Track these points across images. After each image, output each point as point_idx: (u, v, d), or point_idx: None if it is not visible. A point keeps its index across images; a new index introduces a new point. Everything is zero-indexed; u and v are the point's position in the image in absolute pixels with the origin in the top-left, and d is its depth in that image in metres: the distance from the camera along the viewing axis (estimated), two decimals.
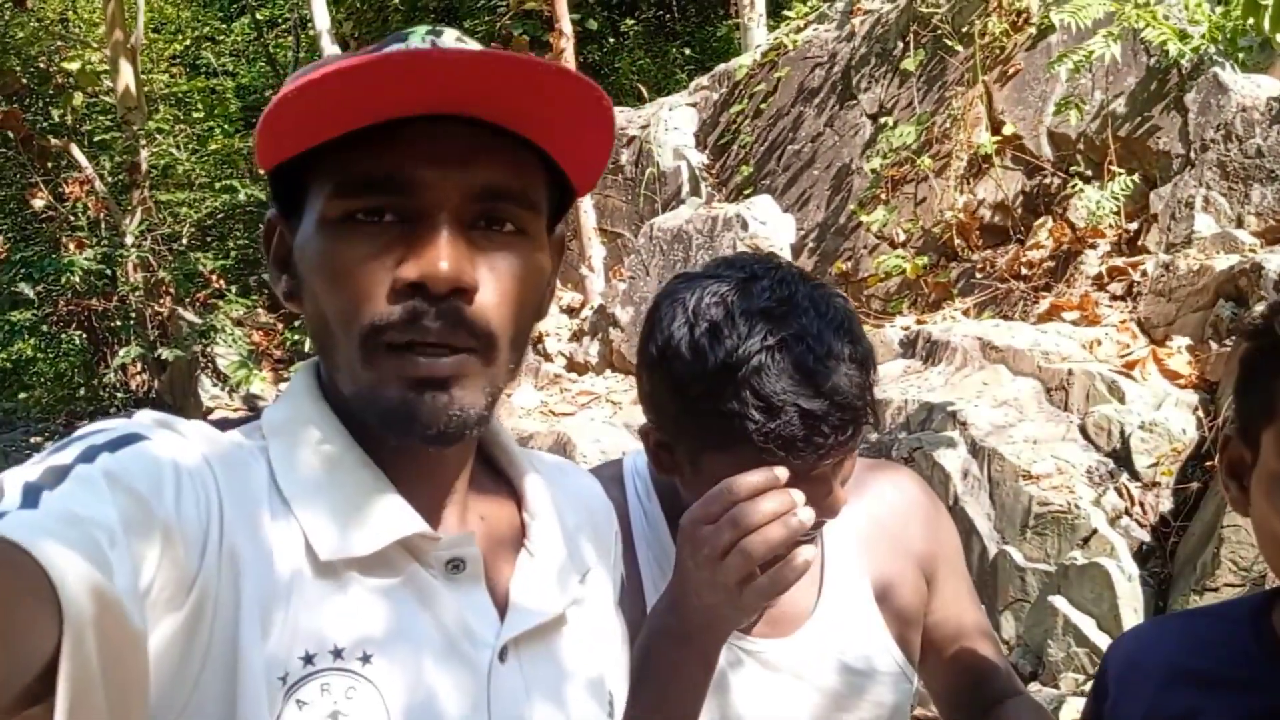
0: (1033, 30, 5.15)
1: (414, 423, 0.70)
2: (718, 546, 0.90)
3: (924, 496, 1.27)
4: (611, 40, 10.96)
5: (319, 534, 0.71)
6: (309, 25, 10.07)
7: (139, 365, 8.14)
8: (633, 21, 11.04)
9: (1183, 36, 4.45)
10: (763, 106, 6.36)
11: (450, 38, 0.74)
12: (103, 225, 8.75)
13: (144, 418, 0.71)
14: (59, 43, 9.95)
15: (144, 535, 0.61)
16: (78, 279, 8.21)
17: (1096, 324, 4.17)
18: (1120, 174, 4.51)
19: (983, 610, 1.29)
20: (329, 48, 7.92)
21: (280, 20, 13.80)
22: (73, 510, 0.58)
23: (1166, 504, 3.41)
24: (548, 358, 6.16)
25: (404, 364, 0.70)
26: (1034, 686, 3.20)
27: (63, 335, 9.50)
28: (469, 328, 0.71)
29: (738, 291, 1.01)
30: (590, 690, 0.83)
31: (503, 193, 0.72)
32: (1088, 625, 3.18)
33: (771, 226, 5.36)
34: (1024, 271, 4.79)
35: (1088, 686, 2.40)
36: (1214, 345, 3.71)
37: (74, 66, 9.08)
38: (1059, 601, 3.25)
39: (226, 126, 11.42)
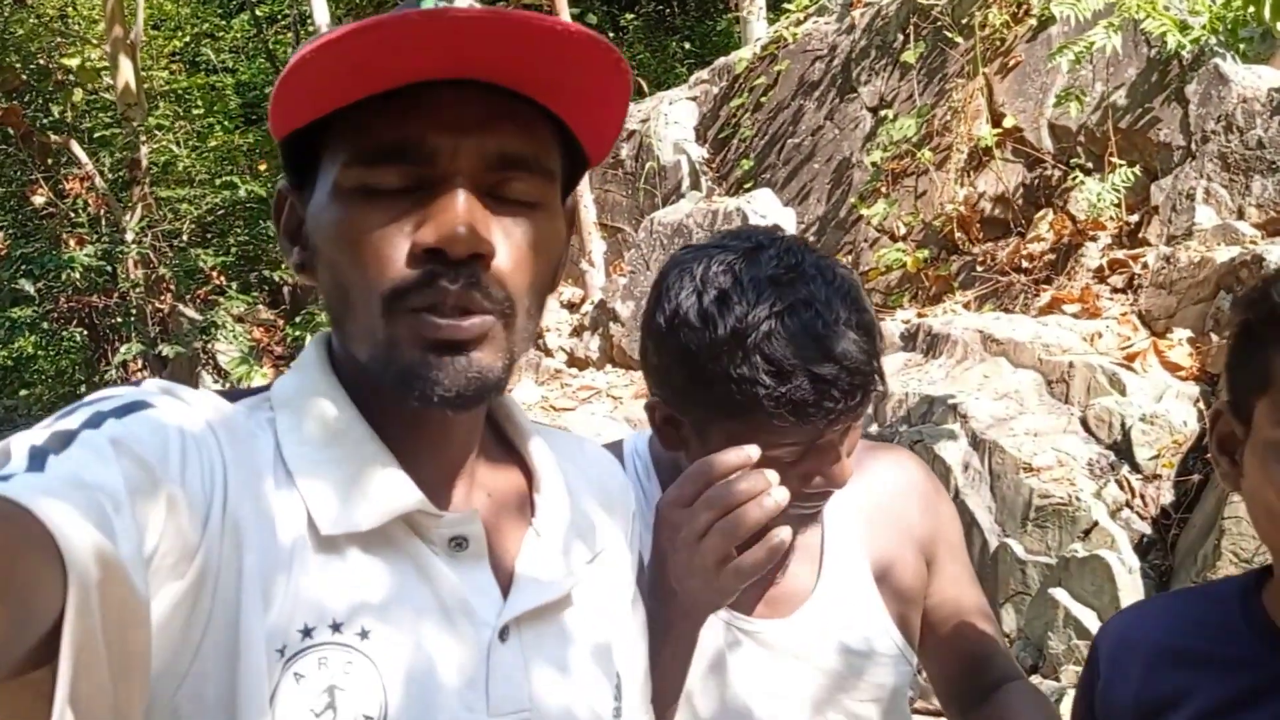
0: (1033, 22, 5.14)
1: (432, 384, 0.70)
2: (695, 529, 0.90)
3: (925, 478, 1.27)
4: (611, 34, 10.94)
5: (321, 507, 0.71)
6: (308, 21, 10.07)
7: (140, 362, 8.14)
8: (632, 16, 11.03)
9: (1183, 28, 4.44)
10: (763, 100, 6.36)
11: (464, 1, 0.73)
12: (103, 222, 8.74)
13: (151, 386, 0.71)
14: (59, 39, 9.93)
15: (148, 502, 0.61)
16: (78, 275, 8.20)
17: (1097, 316, 4.17)
18: (1121, 166, 4.50)
19: (982, 593, 1.29)
20: None
21: (280, 16, 13.78)
22: (78, 475, 0.58)
23: (1167, 496, 3.41)
24: (548, 353, 6.15)
25: (424, 325, 0.70)
26: (1035, 679, 3.20)
27: (63, 332, 9.50)
28: (486, 292, 0.70)
29: (745, 260, 1.01)
30: (595, 671, 0.82)
31: (518, 160, 0.72)
32: (1089, 618, 3.18)
33: (772, 220, 5.36)
34: (1025, 264, 4.78)
35: None
36: (1215, 337, 3.70)
37: (74, 63, 9.07)
38: (1060, 594, 3.25)
39: (226, 123, 11.41)
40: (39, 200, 8.58)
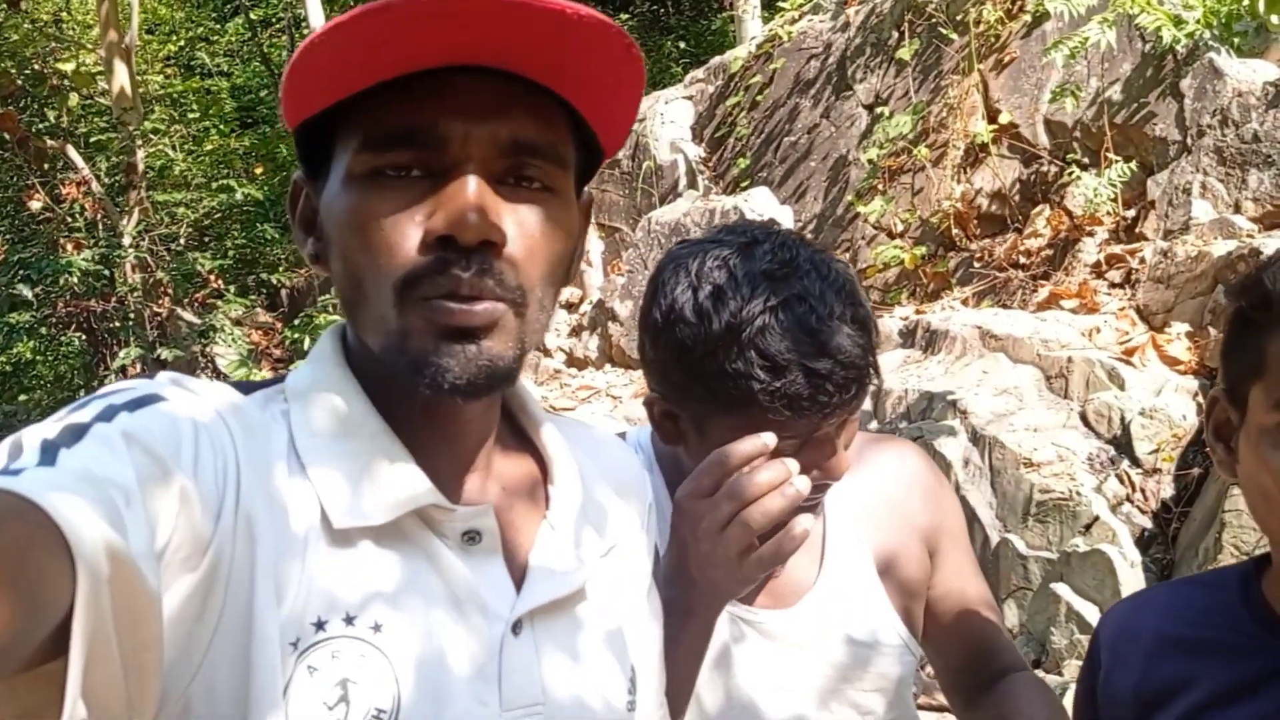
0: (1028, 18, 5.14)
1: (443, 371, 0.70)
2: (717, 519, 0.90)
3: (926, 469, 1.28)
4: None
5: (334, 501, 0.71)
6: (303, 25, 10.06)
7: (139, 366, 8.13)
8: (627, 16, 11.02)
9: (1178, 22, 4.44)
10: (758, 99, 6.36)
11: None
12: (100, 226, 8.73)
13: (164, 378, 0.71)
14: (53, 44, 9.92)
15: (160, 496, 0.61)
16: (76, 280, 8.20)
17: (1095, 311, 4.17)
18: (1117, 161, 4.51)
19: (986, 584, 1.29)
20: None
21: (274, 20, 13.77)
22: (89, 469, 0.58)
23: (1168, 490, 3.41)
24: (547, 353, 6.15)
25: (436, 313, 0.69)
26: (1038, 674, 3.20)
27: (62, 337, 9.49)
28: (499, 279, 0.70)
29: (740, 255, 1.02)
30: (610, 663, 0.82)
31: (531, 147, 0.71)
32: (1090, 612, 3.18)
33: (769, 218, 5.36)
34: (1022, 260, 4.79)
35: None
36: (1213, 331, 3.71)
37: (69, 68, 9.05)
38: (1061, 589, 3.26)
39: (222, 127, 11.40)
40: (36, 205, 8.57)
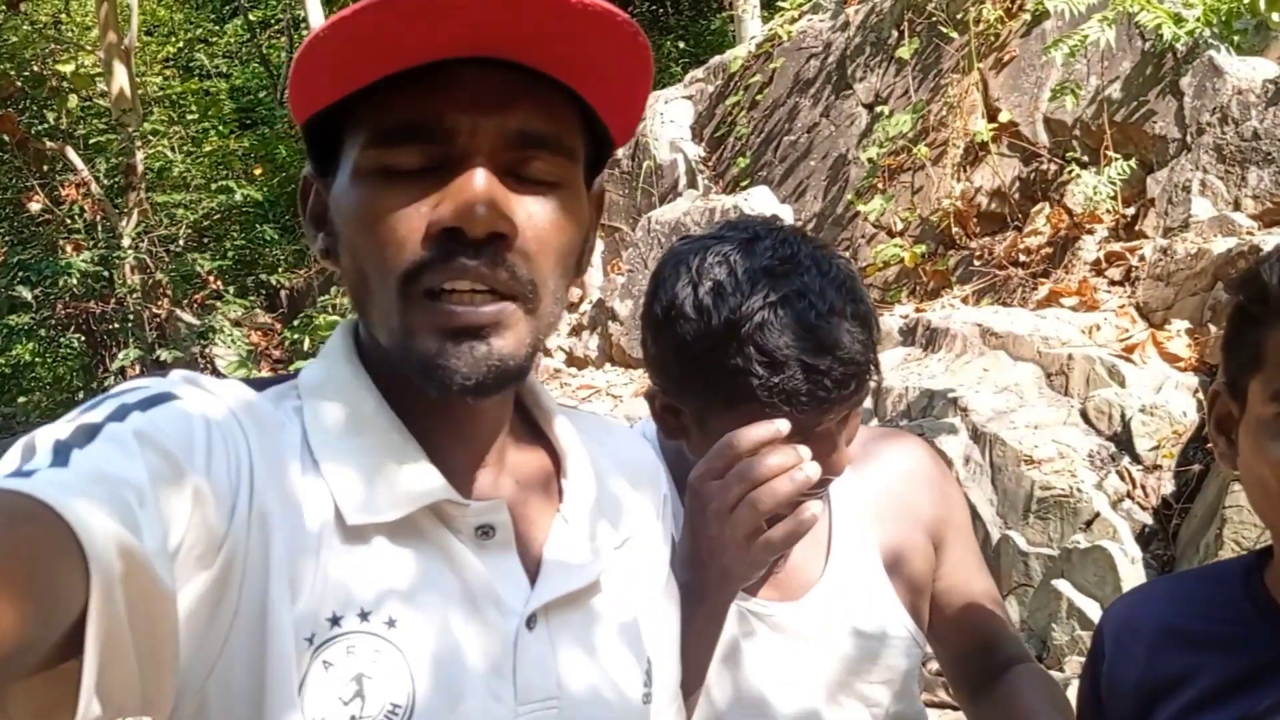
0: (1027, 16, 5.15)
1: (451, 373, 0.69)
2: (726, 501, 0.91)
3: (932, 463, 1.28)
4: None
5: (347, 497, 0.71)
6: (302, 26, 10.06)
7: (138, 368, 8.13)
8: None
9: (1177, 20, 4.45)
10: (758, 98, 6.36)
11: None
12: (99, 227, 8.74)
13: (177, 376, 0.71)
14: (53, 45, 9.92)
15: (174, 494, 0.61)
16: (75, 282, 8.20)
17: (1095, 309, 4.17)
18: (1117, 159, 4.51)
19: (990, 577, 1.30)
20: None
21: (273, 21, 13.78)
22: (102, 469, 0.58)
23: (1168, 486, 3.41)
24: (547, 352, 6.16)
25: (439, 314, 0.69)
26: None
27: (61, 338, 9.50)
28: (511, 271, 0.69)
29: (741, 251, 1.02)
30: (625, 656, 0.82)
31: (539, 138, 0.71)
32: (1091, 609, 3.18)
33: (771, 214, 5.36)
34: (1022, 258, 4.79)
35: None
36: (1213, 328, 3.71)
37: (68, 69, 9.05)
38: (1062, 585, 3.26)
39: (221, 128, 11.40)
40: (35, 207, 8.57)
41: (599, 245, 6.66)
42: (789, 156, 6.10)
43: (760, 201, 5.44)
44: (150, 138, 9.48)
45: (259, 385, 0.76)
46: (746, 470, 0.90)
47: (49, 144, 8.56)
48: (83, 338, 9.21)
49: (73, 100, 9.19)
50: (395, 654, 0.70)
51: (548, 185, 0.72)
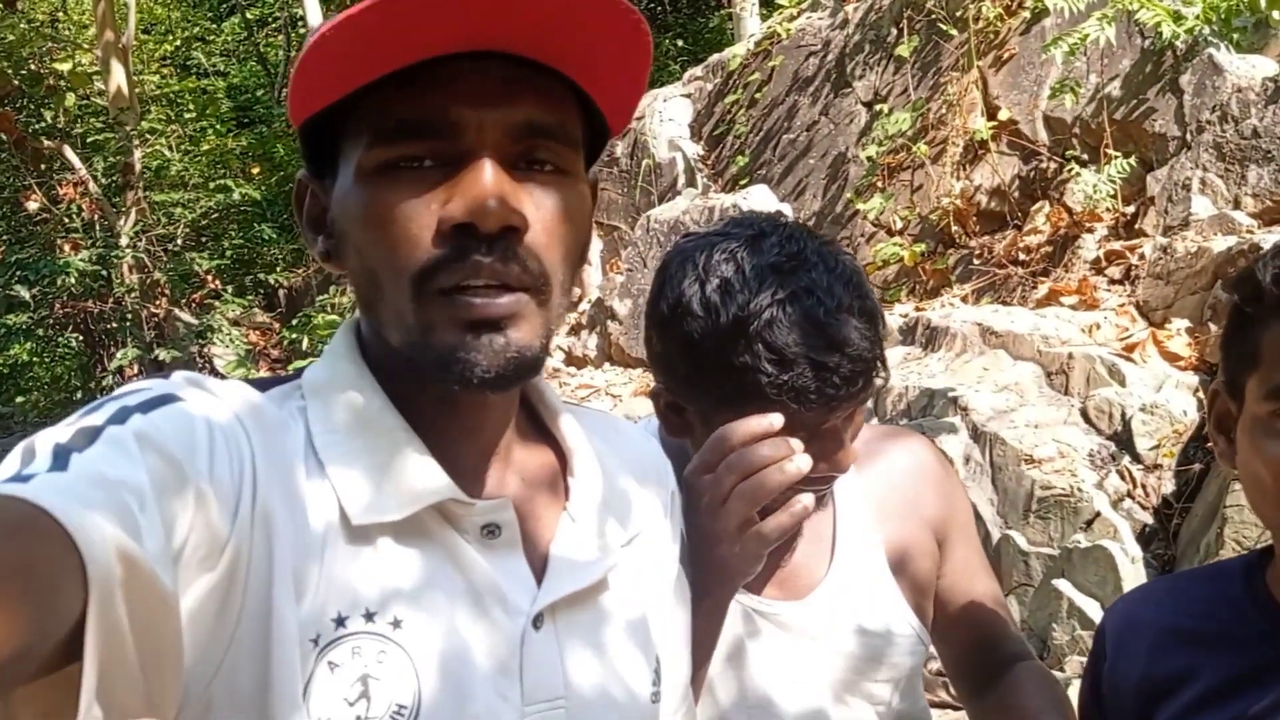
0: (1027, 14, 5.14)
1: (471, 365, 0.69)
2: (718, 494, 0.91)
3: (936, 462, 1.28)
4: None
5: (351, 497, 0.71)
6: (299, 24, 10.06)
7: (136, 367, 8.13)
8: None
9: (1177, 18, 4.44)
10: (757, 96, 6.36)
11: None
12: (97, 227, 8.74)
13: (179, 378, 0.71)
14: (50, 44, 9.92)
15: (175, 497, 0.61)
16: (73, 281, 8.20)
17: (1095, 308, 4.17)
18: (1116, 157, 4.51)
19: (993, 575, 1.30)
20: None
21: (270, 19, 13.78)
22: (102, 473, 0.58)
23: (1169, 485, 3.41)
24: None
25: (457, 308, 0.69)
26: None
27: (59, 338, 9.50)
28: (524, 264, 0.69)
29: (747, 248, 1.02)
30: (633, 655, 0.81)
31: (543, 129, 0.71)
32: (1092, 608, 3.18)
33: (775, 210, 5.36)
34: (1022, 257, 4.79)
35: None
36: (1213, 327, 3.70)
37: (65, 68, 9.05)
38: (1063, 585, 3.26)
39: (219, 127, 11.41)
40: (33, 206, 8.57)
41: (598, 244, 6.66)
42: (788, 155, 6.09)
43: (759, 200, 5.44)
44: (148, 136, 9.48)
45: (262, 385, 0.76)
46: (737, 461, 0.90)
47: (46, 143, 8.56)
48: (81, 337, 9.21)
49: (70, 99, 9.19)
50: (401, 655, 0.69)
51: (553, 176, 0.72)
